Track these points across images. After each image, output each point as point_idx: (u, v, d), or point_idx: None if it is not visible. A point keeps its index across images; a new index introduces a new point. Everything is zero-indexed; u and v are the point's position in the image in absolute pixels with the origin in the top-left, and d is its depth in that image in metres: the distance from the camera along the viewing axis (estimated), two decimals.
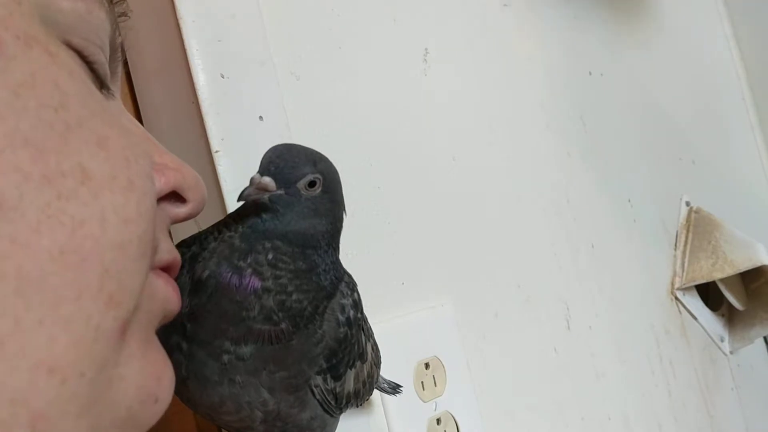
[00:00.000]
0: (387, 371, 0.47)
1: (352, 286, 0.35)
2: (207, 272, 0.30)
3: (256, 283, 0.29)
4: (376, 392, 0.48)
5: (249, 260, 0.29)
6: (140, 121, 0.50)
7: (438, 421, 0.53)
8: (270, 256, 0.30)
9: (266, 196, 0.30)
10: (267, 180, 0.30)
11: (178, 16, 0.44)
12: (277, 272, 0.30)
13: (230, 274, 0.29)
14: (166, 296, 0.25)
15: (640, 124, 0.84)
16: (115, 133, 0.22)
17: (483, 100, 0.65)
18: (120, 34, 0.26)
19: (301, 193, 0.31)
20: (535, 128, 0.70)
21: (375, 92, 0.56)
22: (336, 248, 0.34)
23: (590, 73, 0.79)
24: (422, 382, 0.52)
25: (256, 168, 0.31)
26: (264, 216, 0.30)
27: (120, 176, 0.21)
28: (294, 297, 0.30)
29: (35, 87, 0.19)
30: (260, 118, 0.47)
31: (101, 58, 0.24)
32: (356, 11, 0.56)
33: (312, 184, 0.31)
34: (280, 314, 0.30)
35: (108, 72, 0.25)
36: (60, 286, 0.18)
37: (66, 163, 0.19)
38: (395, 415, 0.50)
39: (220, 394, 0.30)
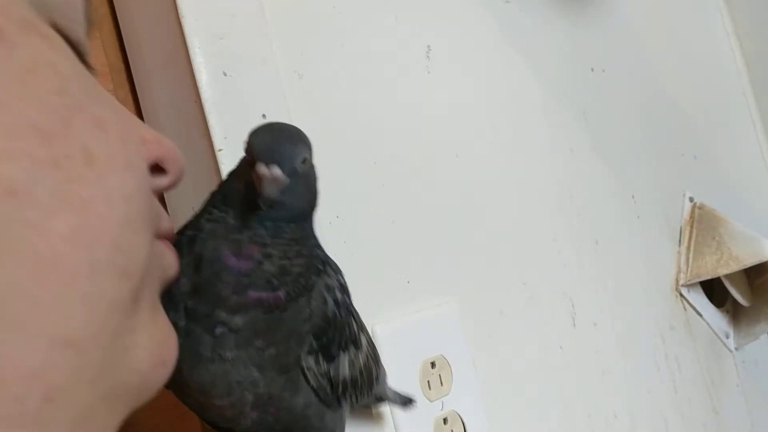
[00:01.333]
0: (393, 370, 0.47)
1: (337, 270, 0.35)
2: (206, 250, 0.30)
3: (256, 251, 0.29)
4: None
5: (248, 233, 0.30)
6: (142, 119, 0.49)
7: (445, 420, 0.52)
8: (268, 226, 0.30)
9: (278, 190, 0.29)
10: (278, 173, 0.29)
11: (180, 14, 0.44)
12: (276, 240, 0.30)
13: (230, 247, 0.29)
14: (168, 261, 0.27)
15: (642, 120, 0.84)
16: (110, 114, 0.22)
17: (485, 97, 0.65)
18: (89, 2, 0.26)
19: (298, 172, 0.30)
20: (538, 125, 0.70)
21: (378, 90, 0.56)
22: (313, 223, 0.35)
23: (592, 70, 0.78)
24: (428, 382, 0.52)
25: None
26: (264, 212, 0.30)
27: (118, 156, 0.21)
28: (294, 262, 0.30)
29: (38, 73, 0.20)
30: (263, 116, 0.46)
31: (83, 37, 0.24)
32: (358, 9, 0.56)
33: (305, 159, 0.30)
34: (280, 278, 0.30)
35: (88, 50, 0.25)
36: (74, 264, 0.19)
37: (71, 147, 0.20)
38: (402, 415, 0.49)
39: (211, 373, 0.30)
